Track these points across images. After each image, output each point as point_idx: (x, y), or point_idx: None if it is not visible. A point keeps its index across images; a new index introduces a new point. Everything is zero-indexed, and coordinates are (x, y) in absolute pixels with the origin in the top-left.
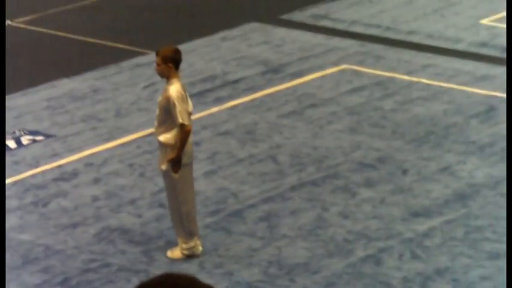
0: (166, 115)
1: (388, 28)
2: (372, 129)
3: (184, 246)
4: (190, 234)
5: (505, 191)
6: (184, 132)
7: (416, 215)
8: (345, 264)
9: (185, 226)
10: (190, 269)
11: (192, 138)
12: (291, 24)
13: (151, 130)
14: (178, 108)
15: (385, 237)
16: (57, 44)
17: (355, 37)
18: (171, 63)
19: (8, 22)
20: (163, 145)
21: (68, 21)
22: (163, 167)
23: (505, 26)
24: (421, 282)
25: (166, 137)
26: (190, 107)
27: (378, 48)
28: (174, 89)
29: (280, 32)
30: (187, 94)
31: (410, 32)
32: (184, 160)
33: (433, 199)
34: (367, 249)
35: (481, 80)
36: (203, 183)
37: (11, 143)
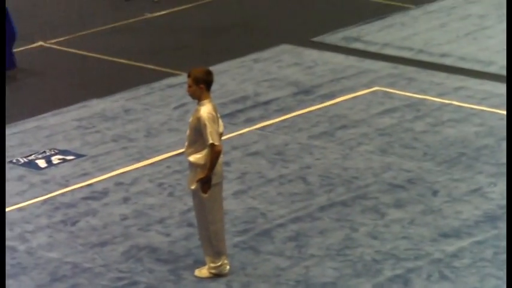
0: (197, 135)
1: (420, 51)
2: (402, 150)
3: (212, 265)
4: (218, 254)
5: None
6: (214, 153)
7: (445, 235)
8: (373, 284)
9: (213, 245)
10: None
11: (222, 159)
12: (323, 47)
13: (181, 150)
14: (209, 128)
15: (414, 257)
16: (89, 64)
17: (387, 59)
18: (202, 85)
19: (40, 43)
20: (193, 165)
21: (100, 43)
22: (193, 186)
23: None
24: None
25: (196, 157)
26: (222, 128)
27: (410, 71)
28: (205, 109)
29: (312, 54)
30: (219, 115)
31: (443, 55)
32: (214, 180)
33: (462, 220)
34: (395, 270)
35: None
36: (233, 203)
37: (41, 162)
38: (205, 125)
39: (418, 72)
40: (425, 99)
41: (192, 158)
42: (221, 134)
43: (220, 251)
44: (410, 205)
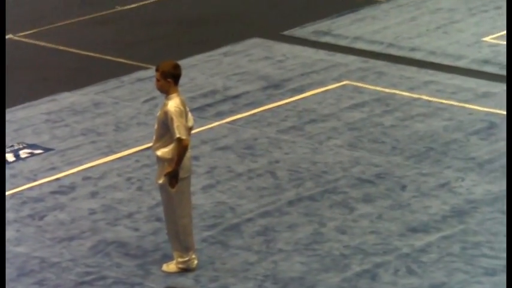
0: (164, 130)
1: (390, 45)
2: (371, 145)
3: (179, 260)
4: (186, 249)
5: (503, 208)
6: (181, 147)
7: (413, 230)
8: (341, 278)
9: (181, 240)
10: (185, 282)
11: (190, 153)
12: (293, 40)
13: (150, 144)
14: (176, 122)
15: (382, 252)
16: (58, 57)
17: (357, 53)
18: (170, 79)
19: (9, 36)
20: (160, 159)
21: (69, 36)
22: (160, 181)
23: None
24: None
25: (163, 152)
26: (191, 122)
27: (380, 65)
28: (173, 103)
29: (282, 48)
30: (188, 109)
31: (413, 49)
32: (182, 174)
33: (431, 215)
34: (363, 264)
35: (482, 97)
36: (201, 197)
37: (9, 156)
38: (172, 119)
39: (388, 66)
40: (394, 93)
41: (160, 152)
42: (190, 128)
43: (188, 246)
44: (378, 200)
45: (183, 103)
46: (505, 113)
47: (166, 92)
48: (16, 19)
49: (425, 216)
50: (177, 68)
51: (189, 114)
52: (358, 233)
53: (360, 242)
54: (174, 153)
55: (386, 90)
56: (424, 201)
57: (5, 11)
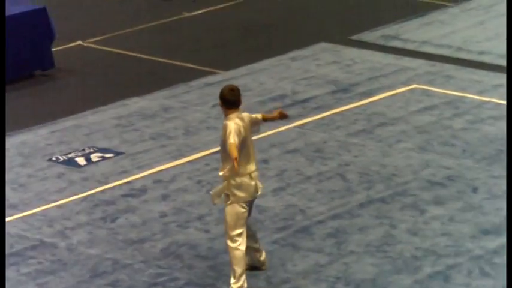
0: (226, 152)
1: (459, 48)
2: (441, 148)
3: (232, 280)
4: (236, 276)
5: None
6: (232, 152)
7: (486, 232)
8: (413, 280)
9: (233, 269)
10: (257, 284)
11: (253, 182)
12: (361, 45)
13: (219, 148)
14: (233, 135)
15: (454, 254)
16: (128, 63)
17: (425, 57)
18: (221, 102)
19: (79, 42)
20: (223, 179)
21: (139, 41)
22: (216, 201)
23: None
24: None
25: (224, 172)
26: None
27: (449, 68)
28: (231, 123)
29: (350, 52)
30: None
31: (482, 52)
32: (239, 193)
33: (503, 217)
34: (435, 266)
35: None
36: (271, 200)
37: (80, 160)
38: (230, 131)
39: (457, 69)
40: (464, 96)
41: (221, 172)
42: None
43: (239, 275)
44: (450, 202)
45: (238, 125)
46: None
47: (224, 114)
48: (85, 26)
49: (498, 218)
50: (230, 92)
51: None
52: (430, 235)
53: (431, 244)
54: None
55: (456, 93)
56: (495, 203)
57: (5, 11)
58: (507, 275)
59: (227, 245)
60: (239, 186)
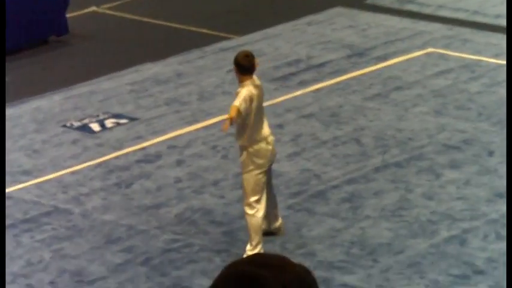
0: (240, 118)
1: (475, 12)
2: (457, 111)
3: (248, 247)
4: (254, 245)
5: None
6: (234, 112)
7: (501, 196)
8: (429, 244)
9: (249, 233)
10: (272, 249)
11: (270, 146)
12: (377, 9)
13: None
14: (240, 100)
15: (470, 218)
16: (142, 29)
17: (441, 21)
18: (237, 68)
19: (93, 8)
20: (240, 148)
21: (153, 7)
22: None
23: None
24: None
25: (242, 140)
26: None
27: (465, 32)
28: (243, 89)
29: (366, 17)
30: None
31: (498, 16)
32: (257, 160)
33: None
34: (451, 230)
35: None
36: (286, 165)
37: (95, 126)
38: (239, 96)
39: (473, 33)
40: (480, 60)
41: (239, 141)
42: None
43: (257, 243)
44: (465, 166)
45: (251, 93)
46: None
47: (238, 80)
48: None
49: None
50: (244, 58)
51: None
52: (446, 199)
53: (447, 208)
54: (249, 141)
55: (472, 57)
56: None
57: (5, 11)
58: (507, 275)
59: (245, 212)
60: (257, 153)
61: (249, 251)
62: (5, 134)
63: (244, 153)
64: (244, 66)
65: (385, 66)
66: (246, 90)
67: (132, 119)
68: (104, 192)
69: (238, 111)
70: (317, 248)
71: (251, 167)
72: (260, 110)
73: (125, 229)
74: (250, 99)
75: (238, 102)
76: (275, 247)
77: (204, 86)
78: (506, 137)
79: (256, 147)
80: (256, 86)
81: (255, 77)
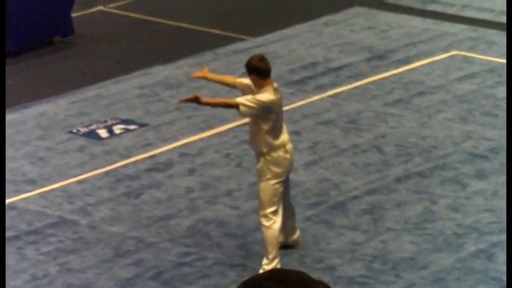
0: (255, 123)
1: (502, 12)
2: (483, 118)
3: (265, 261)
4: (271, 259)
5: None
6: (232, 105)
7: None
8: (455, 259)
9: (267, 250)
10: (290, 263)
11: (289, 155)
12: (398, 9)
13: (248, 119)
14: (252, 99)
15: (498, 231)
16: (151, 29)
17: (466, 22)
18: (253, 74)
19: (100, 7)
20: (256, 153)
21: (163, 7)
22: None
23: None
24: None
25: (257, 145)
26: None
27: (491, 34)
28: (263, 95)
29: (386, 17)
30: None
31: None
32: (275, 169)
33: None
34: (478, 244)
35: None
36: (304, 174)
37: (102, 132)
38: (255, 97)
39: (500, 35)
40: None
41: (253, 146)
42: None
43: (273, 257)
44: (493, 176)
45: (269, 99)
46: None
47: (257, 87)
48: None
49: None
50: (260, 61)
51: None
52: (472, 211)
53: (474, 221)
54: (266, 145)
55: (498, 60)
56: None
57: (5, 11)
58: (507, 275)
59: (261, 224)
60: (275, 161)
61: (266, 265)
62: (5, 133)
63: (262, 160)
64: (263, 69)
65: (406, 70)
66: (266, 96)
67: (141, 125)
68: (112, 202)
69: (225, 105)
70: (336, 262)
71: (268, 176)
72: (280, 115)
73: (134, 242)
74: (267, 105)
75: (247, 101)
76: (293, 261)
77: (217, 91)
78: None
79: (274, 154)
80: (276, 90)
81: (272, 79)
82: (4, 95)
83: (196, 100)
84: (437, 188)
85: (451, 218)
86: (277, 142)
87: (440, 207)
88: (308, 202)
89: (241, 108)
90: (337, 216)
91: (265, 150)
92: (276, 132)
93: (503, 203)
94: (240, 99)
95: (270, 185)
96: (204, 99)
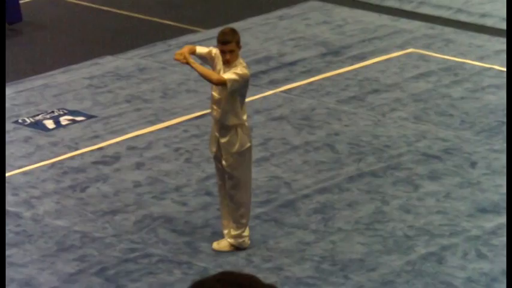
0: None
1: (459, 10)
2: (438, 117)
3: (234, 233)
4: (242, 225)
5: None
6: (217, 81)
7: (483, 211)
8: (405, 261)
9: (239, 215)
10: (237, 262)
11: (248, 124)
12: (354, 4)
13: (199, 113)
14: (235, 75)
15: (449, 233)
16: (102, 19)
17: (423, 19)
18: (238, 45)
19: None
20: (230, 127)
21: None
22: (235, 149)
23: None
24: (487, 283)
25: (232, 118)
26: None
27: (448, 32)
28: (245, 70)
29: (342, 12)
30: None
31: (484, 15)
32: (245, 144)
33: (502, 194)
34: (429, 246)
35: None
36: (254, 171)
37: (49, 123)
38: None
39: (457, 33)
40: (463, 62)
41: (228, 120)
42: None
43: (245, 223)
44: (446, 177)
45: (246, 73)
46: None
47: (234, 61)
48: None
49: (497, 195)
50: (235, 31)
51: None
52: (424, 213)
53: (425, 223)
54: (241, 118)
55: (455, 59)
56: (495, 179)
57: (5, 11)
58: (507, 275)
59: (234, 196)
60: (247, 134)
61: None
62: (5, 133)
63: (239, 129)
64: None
65: (361, 67)
66: (244, 70)
67: (89, 117)
68: (57, 195)
69: (211, 79)
70: (285, 262)
71: (248, 144)
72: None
73: (79, 236)
74: (246, 78)
75: (233, 76)
76: (240, 260)
77: (168, 83)
78: (506, 137)
79: (244, 128)
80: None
81: None
82: (4, 95)
83: (186, 60)
84: (390, 188)
85: (402, 220)
86: (244, 117)
87: (392, 208)
88: (258, 200)
89: (229, 84)
90: (287, 215)
91: (237, 122)
92: (244, 107)
93: (456, 204)
94: (228, 76)
95: (249, 152)
96: (194, 64)
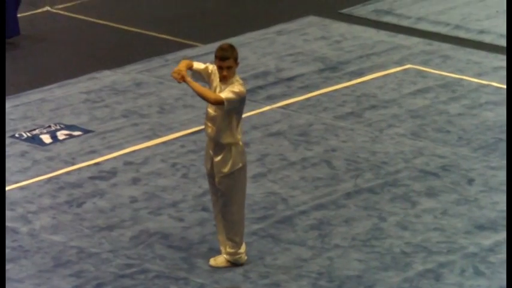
0: (226, 114)
1: (457, 26)
2: (436, 134)
3: (230, 251)
4: (237, 243)
5: None
6: (214, 100)
7: (481, 228)
8: (402, 278)
9: (234, 232)
10: (234, 278)
11: (245, 139)
12: (352, 20)
13: (196, 128)
14: (233, 94)
15: (447, 251)
16: (99, 33)
17: (421, 35)
18: (233, 61)
19: (47, 8)
20: (225, 146)
21: (112, 9)
22: (226, 169)
23: None
24: None
25: (226, 137)
26: None
27: (446, 48)
28: (241, 87)
29: (340, 27)
30: None
31: (481, 31)
32: (241, 162)
33: (500, 211)
34: (426, 264)
35: None
36: (251, 187)
37: (46, 138)
38: (233, 91)
39: (455, 49)
40: (461, 79)
41: (222, 139)
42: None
43: (241, 240)
44: (443, 194)
45: (242, 91)
46: None
47: (231, 77)
48: None
49: (494, 212)
50: (234, 47)
51: None
52: (421, 230)
53: (422, 239)
54: (236, 137)
55: (453, 75)
56: (492, 196)
57: (5, 12)
58: (507, 275)
59: (230, 213)
60: (241, 153)
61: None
62: (5, 133)
63: (233, 148)
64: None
65: (359, 83)
66: (240, 87)
67: (86, 131)
68: (53, 210)
69: (208, 98)
70: (282, 278)
71: (240, 165)
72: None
73: (75, 251)
74: (243, 96)
75: (230, 94)
76: (237, 276)
77: (165, 98)
78: (506, 138)
79: (238, 147)
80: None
81: None
82: (4, 96)
83: (183, 79)
84: (387, 204)
85: (399, 236)
86: (239, 136)
87: (389, 225)
88: (255, 216)
89: (227, 103)
90: (284, 231)
91: (231, 141)
92: (240, 125)
93: (453, 221)
94: (225, 95)
95: (243, 173)
96: (191, 83)
